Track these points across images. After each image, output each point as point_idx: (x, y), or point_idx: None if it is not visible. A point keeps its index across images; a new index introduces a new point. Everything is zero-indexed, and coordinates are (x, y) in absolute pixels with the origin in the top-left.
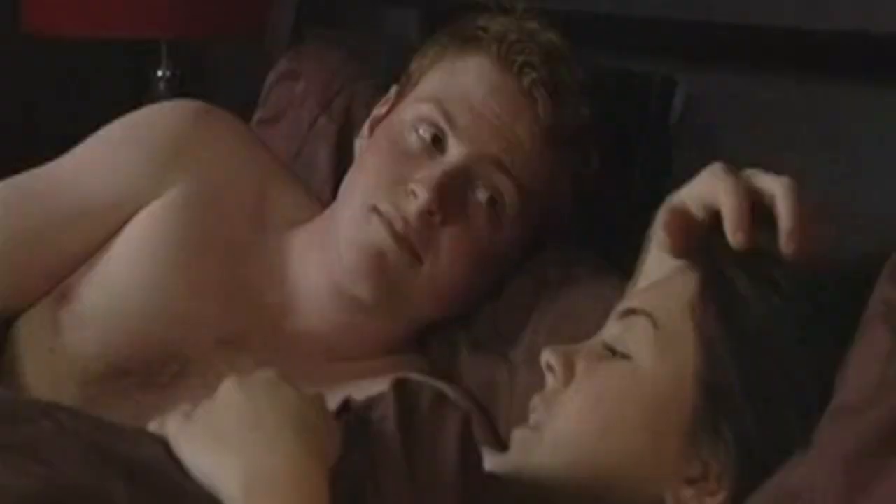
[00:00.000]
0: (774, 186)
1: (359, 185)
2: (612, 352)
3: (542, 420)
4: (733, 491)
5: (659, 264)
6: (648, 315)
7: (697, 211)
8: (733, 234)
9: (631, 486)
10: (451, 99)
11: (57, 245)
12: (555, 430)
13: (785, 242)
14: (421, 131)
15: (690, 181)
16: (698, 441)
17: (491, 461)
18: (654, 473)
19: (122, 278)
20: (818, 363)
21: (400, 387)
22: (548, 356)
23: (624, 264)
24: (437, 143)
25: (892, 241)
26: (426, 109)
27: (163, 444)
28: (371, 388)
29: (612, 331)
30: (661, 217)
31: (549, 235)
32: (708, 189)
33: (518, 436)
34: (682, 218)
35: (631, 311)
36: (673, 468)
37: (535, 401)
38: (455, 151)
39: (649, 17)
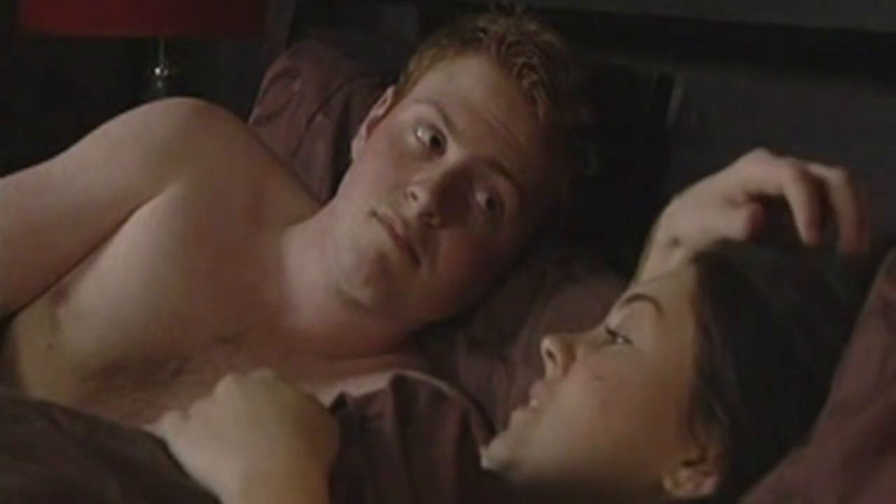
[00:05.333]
0: (829, 176)
1: (357, 188)
2: (613, 337)
3: (543, 403)
4: (727, 474)
5: (661, 265)
6: (652, 300)
7: (736, 197)
8: (807, 229)
9: (629, 468)
10: (450, 101)
11: (55, 242)
12: (554, 412)
13: (847, 239)
14: (419, 133)
15: (728, 168)
16: (695, 424)
17: (488, 445)
18: (652, 456)
19: (119, 276)
20: (815, 356)
21: (398, 384)
22: (548, 343)
23: (622, 262)
24: (436, 144)
25: (891, 238)
26: (425, 111)
27: (159, 443)
28: (369, 386)
29: (614, 317)
30: (709, 210)
31: (547, 234)
32: (763, 176)
33: (518, 417)
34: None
35: (635, 297)
36: (671, 451)
37: (538, 387)
38: (454, 153)
39: (646, 14)
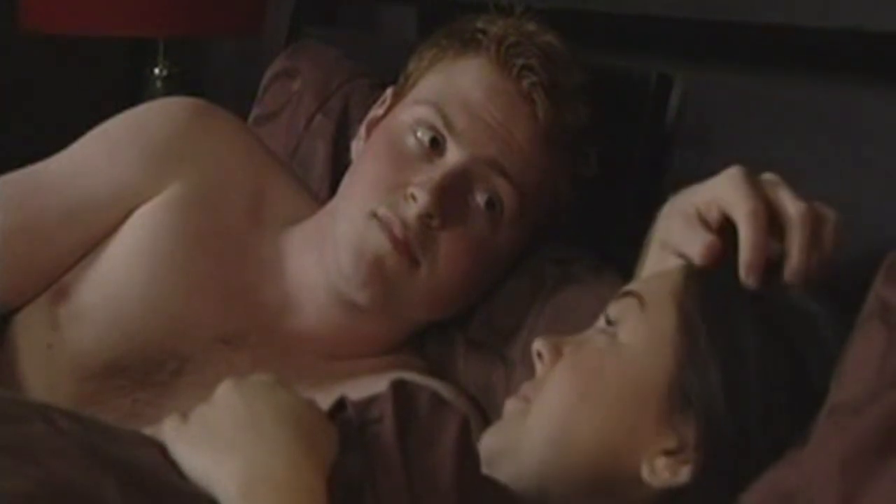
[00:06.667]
0: (791, 212)
1: (357, 190)
2: (607, 324)
3: (531, 398)
4: (702, 462)
5: (658, 263)
6: (637, 295)
7: (710, 213)
8: (745, 273)
9: (610, 457)
10: (450, 102)
11: (55, 241)
12: (538, 405)
13: (788, 277)
14: (419, 134)
15: (706, 181)
16: (674, 414)
17: (484, 436)
18: (631, 445)
19: (119, 276)
20: (799, 348)
21: (398, 388)
22: (538, 345)
23: (621, 261)
24: (436, 145)
25: (890, 239)
26: (424, 112)
27: (158, 446)
28: (368, 386)
29: (607, 312)
30: (678, 224)
31: (547, 234)
32: (728, 199)
33: (509, 407)
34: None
35: (624, 294)
36: (650, 440)
37: (526, 386)
38: (454, 155)
39: (646, 14)
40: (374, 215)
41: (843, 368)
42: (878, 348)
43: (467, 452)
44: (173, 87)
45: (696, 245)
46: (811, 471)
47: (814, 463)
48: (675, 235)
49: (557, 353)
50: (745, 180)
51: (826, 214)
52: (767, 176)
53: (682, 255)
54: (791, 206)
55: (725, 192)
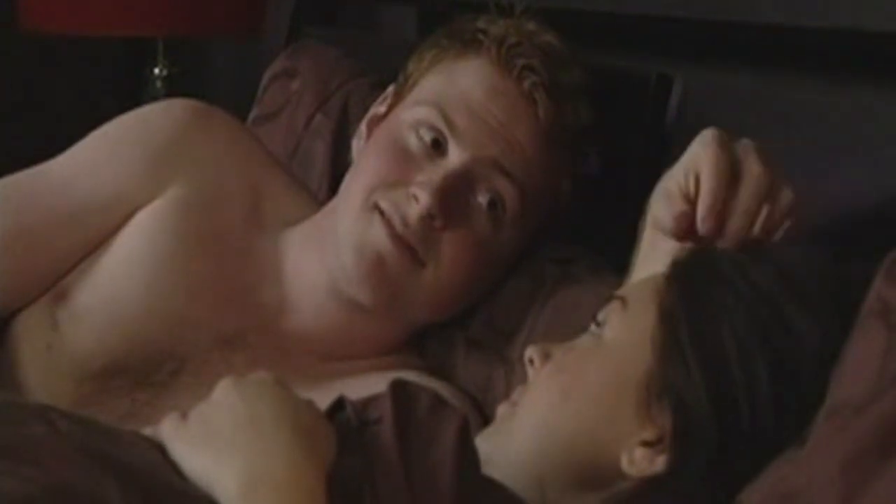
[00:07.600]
0: (750, 167)
1: (359, 184)
2: (596, 326)
3: (520, 399)
4: (678, 451)
5: (650, 246)
6: (621, 297)
7: (689, 183)
8: (701, 219)
9: (592, 451)
10: (451, 102)
11: (55, 243)
12: (524, 404)
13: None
14: (421, 133)
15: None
16: (652, 405)
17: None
18: (613, 437)
19: (120, 277)
20: (779, 337)
21: (397, 388)
22: (529, 352)
23: (621, 262)
24: (437, 146)
25: (890, 239)
26: (426, 112)
27: (158, 447)
28: (367, 386)
29: (595, 315)
30: (659, 201)
31: (547, 235)
32: (697, 158)
33: (501, 410)
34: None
35: (610, 298)
36: (630, 432)
37: (518, 391)
38: (455, 155)
39: (646, 14)
40: (377, 207)
41: (843, 368)
42: (878, 348)
43: (467, 453)
44: (173, 87)
45: (668, 218)
46: (812, 471)
47: (814, 463)
48: (656, 212)
49: (547, 358)
50: (715, 138)
51: (785, 187)
52: (744, 140)
53: (662, 231)
54: (754, 164)
55: (695, 152)
